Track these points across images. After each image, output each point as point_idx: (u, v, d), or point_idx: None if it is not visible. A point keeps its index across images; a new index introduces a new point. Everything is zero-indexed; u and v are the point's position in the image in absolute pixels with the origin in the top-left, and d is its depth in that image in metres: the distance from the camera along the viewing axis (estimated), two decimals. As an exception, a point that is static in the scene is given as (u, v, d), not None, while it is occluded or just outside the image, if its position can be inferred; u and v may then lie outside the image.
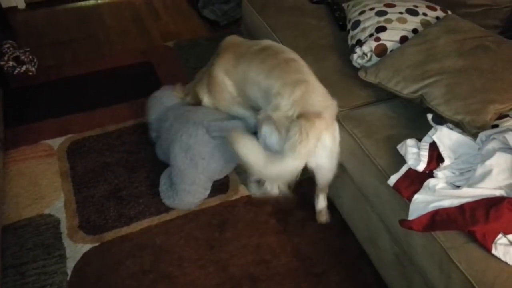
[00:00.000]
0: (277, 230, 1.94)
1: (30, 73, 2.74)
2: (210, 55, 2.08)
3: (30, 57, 2.79)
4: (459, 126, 1.43)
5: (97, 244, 1.87)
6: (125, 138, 2.35)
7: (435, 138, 1.40)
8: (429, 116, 1.51)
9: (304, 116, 1.49)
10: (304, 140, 1.44)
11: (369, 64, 1.76)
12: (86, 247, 1.86)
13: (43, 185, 2.12)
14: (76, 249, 1.85)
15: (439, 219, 1.26)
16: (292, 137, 1.46)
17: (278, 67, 1.65)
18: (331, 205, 1.95)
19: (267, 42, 1.85)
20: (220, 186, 2.11)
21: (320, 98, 1.58)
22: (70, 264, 1.79)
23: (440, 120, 1.48)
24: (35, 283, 1.74)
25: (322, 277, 1.77)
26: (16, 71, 2.72)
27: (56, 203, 2.03)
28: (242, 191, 2.10)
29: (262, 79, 1.68)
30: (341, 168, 1.73)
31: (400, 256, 1.49)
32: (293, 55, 1.74)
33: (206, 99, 2.05)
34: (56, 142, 2.32)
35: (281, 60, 1.68)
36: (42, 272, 1.78)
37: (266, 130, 1.61)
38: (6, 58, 2.73)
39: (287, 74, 1.62)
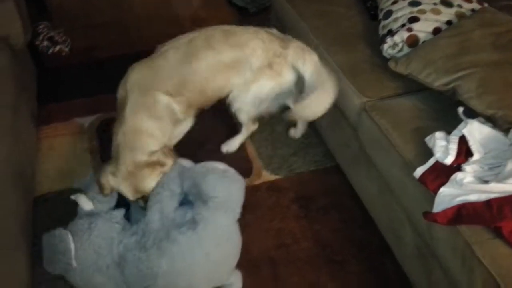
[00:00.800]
0: (298, 216, 1.97)
1: (64, 53, 2.82)
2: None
3: (64, 37, 2.86)
4: (490, 120, 1.41)
5: (123, 219, 1.93)
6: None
7: (465, 131, 1.38)
8: (460, 110, 1.49)
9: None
10: None
11: (399, 54, 1.74)
12: (113, 222, 1.92)
13: (73, 161, 2.20)
14: (103, 224, 1.91)
15: (465, 213, 1.25)
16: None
17: None
18: (355, 195, 1.96)
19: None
20: (243, 171, 2.14)
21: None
22: (97, 237, 1.86)
23: (471, 113, 1.46)
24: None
25: (343, 265, 1.79)
26: (50, 51, 2.80)
27: (86, 178, 2.10)
28: (265, 177, 2.13)
29: None
30: (367, 158, 1.74)
31: (422, 249, 1.49)
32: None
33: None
34: (86, 121, 2.39)
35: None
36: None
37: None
38: (41, 38, 2.81)
39: None
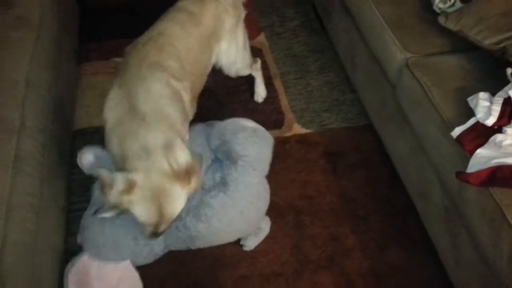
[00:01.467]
0: (325, 170, 1.97)
1: (105, -6, 2.83)
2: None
3: (106, -22, 2.85)
4: (541, 84, 1.34)
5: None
6: (189, 65, 2.41)
7: (510, 92, 1.32)
8: (509, 71, 1.41)
9: None
10: None
11: (451, 10, 1.64)
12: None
13: (111, 99, 2.26)
14: (136, 161, 1.99)
15: (500, 176, 1.22)
16: None
17: None
18: (384, 155, 1.94)
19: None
20: (275, 122, 2.14)
21: None
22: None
23: (521, 75, 1.39)
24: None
25: (365, 220, 1.80)
26: (93, -10, 2.81)
27: (122, 117, 2.17)
28: (296, 129, 2.13)
29: None
30: (402, 117, 1.70)
31: (450, 210, 1.47)
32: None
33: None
34: (125, 61, 2.43)
35: None
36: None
37: None
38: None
39: None
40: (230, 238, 1.58)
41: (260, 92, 2.22)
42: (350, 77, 2.22)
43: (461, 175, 1.29)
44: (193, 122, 1.65)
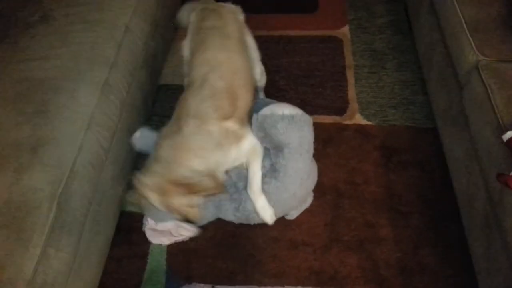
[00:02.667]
0: (377, 162, 1.99)
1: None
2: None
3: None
4: None
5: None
6: (269, 44, 2.56)
7: None
8: None
9: None
10: None
11: (537, 18, 1.58)
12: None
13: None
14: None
15: (542, 183, 1.18)
16: None
17: None
18: (440, 158, 1.90)
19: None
20: (337, 109, 2.21)
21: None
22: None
23: None
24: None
25: (405, 216, 1.80)
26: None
27: (200, 80, 2.39)
28: (357, 119, 2.17)
29: None
30: (464, 120, 1.67)
31: (489, 217, 1.44)
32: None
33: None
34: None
35: None
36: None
37: None
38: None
39: None
40: (282, 214, 1.73)
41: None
42: (425, 78, 2.20)
43: (502, 177, 1.27)
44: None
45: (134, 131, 1.90)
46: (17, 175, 1.28)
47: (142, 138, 1.77)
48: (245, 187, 1.60)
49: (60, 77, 1.56)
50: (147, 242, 1.77)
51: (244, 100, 1.63)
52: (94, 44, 1.70)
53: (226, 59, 1.65)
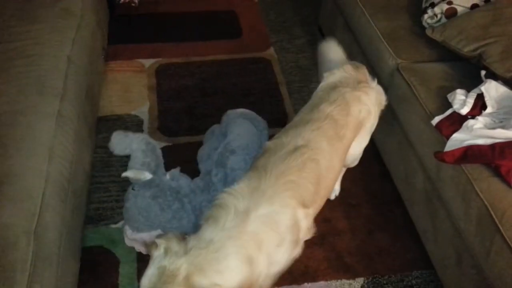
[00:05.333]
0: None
1: (133, 4, 3.13)
2: (292, 13, 2.25)
3: (135, -9, 3.18)
4: (508, 83, 1.58)
5: (170, 144, 2.21)
6: (204, 68, 2.69)
7: (482, 88, 1.56)
8: (483, 72, 1.66)
9: None
10: None
11: (437, 25, 1.92)
12: (161, 144, 2.19)
13: (133, 92, 2.51)
14: (153, 144, 2.21)
15: (470, 154, 1.44)
16: None
17: None
18: (376, 154, 2.15)
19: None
20: (278, 121, 2.38)
21: None
22: (147, 154, 2.16)
23: (493, 77, 1.63)
24: (117, 163, 2.11)
25: (356, 207, 2.00)
26: (122, 0, 3.12)
27: (142, 108, 2.41)
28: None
29: None
30: (393, 116, 1.93)
31: (430, 193, 1.68)
32: None
33: None
34: (147, 62, 2.70)
35: None
36: (124, 155, 2.14)
37: None
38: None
39: None
40: None
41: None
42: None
43: (439, 155, 1.51)
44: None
45: (86, 163, 1.86)
46: (-14, 214, 1.21)
47: (117, 141, 1.77)
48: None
49: (12, 111, 1.50)
50: (114, 274, 1.72)
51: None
52: (40, 76, 1.67)
53: (328, 162, 1.42)
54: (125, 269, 1.74)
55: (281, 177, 1.31)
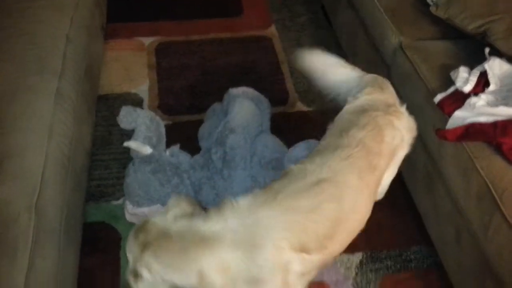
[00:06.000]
0: (322, 142, 2.17)
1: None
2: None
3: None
4: (512, 60, 1.56)
5: (171, 122, 2.21)
6: (204, 47, 2.66)
7: (486, 65, 1.54)
8: (486, 50, 1.63)
9: None
10: None
11: (441, 2, 1.88)
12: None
13: (132, 71, 2.49)
14: (154, 123, 2.20)
15: (472, 131, 1.43)
16: None
17: None
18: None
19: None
20: (279, 100, 2.36)
21: None
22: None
23: (497, 54, 1.60)
24: (117, 141, 2.11)
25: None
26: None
27: (142, 86, 2.40)
28: (299, 107, 2.35)
29: None
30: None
31: (430, 171, 1.68)
32: None
33: None
34: (147, 40, 2.67)
35: None
36: (124, 133, 2.10)
37: None
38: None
39: None
40: None
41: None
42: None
43: (440, 132, 1.50)
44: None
45: (86, 141, 1.86)
46: (-14, 190, 1.22)
47: (124, 114, 1.77)
48: (229, 174, 1.66)
49: (11, 90, 1.50)
50: (115, 249, 1.74)
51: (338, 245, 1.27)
52: (39, 55, 1.65)
53: (354, 201, 1.26)
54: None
55: (287, 212, 1.15)
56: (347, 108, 1.45)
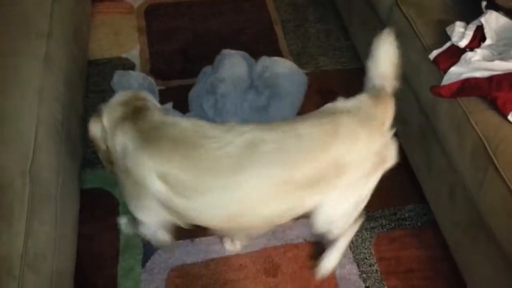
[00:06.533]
0: (320, 104, 2.01)
1: None
2: None
3: None
4: (509, 14, 1.53)
5: (163, 87, 2.17)
6: (194, 9, 2.59)
7: (482, 20, 1.51)
8: (483, 3, 1.60)
9: None
10: None
11: (438, -46, 1.82)
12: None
13: (122, 35, 2.43)
14: (146, 87, 2.17)
15: (467, 86, 1.42)
16: None
17: None
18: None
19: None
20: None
21: None
22: (140, 97, 2.13)
23: (494, 8, 1.57)
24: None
25: (351, 146, 2.00)
26: None
27: (132, 51, 2.35)
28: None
29: None
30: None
31: (424, 128, 1.68)
32: None
33: None
34: (136, 3, 2.60)
35: None
36: (116, 99, 2.12)
37: None
38: None
39: None
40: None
41: (330, 262, 1.56)
42: (346, 26, 2.40)
43: (435, 89, 1.49)
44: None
45: (78, 106, 1.84)
46: (-22, 156, 1.20)
47: (118, 78, 1.80)
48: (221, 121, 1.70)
49: (-3, 53, 1.45)
50: (113, 214, 1.75)
51: None
52: (23, 16, 1.60)
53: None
54: (125, 209, 1.76)
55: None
56: (327, 106, 1.33)
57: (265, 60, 2.01)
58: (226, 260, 1.64)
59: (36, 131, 1.33)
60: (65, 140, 1.53)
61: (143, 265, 1.62)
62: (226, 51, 2.01)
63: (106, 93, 2.14)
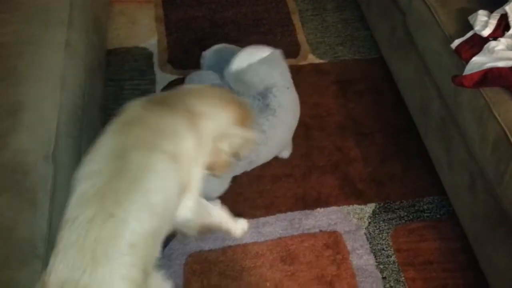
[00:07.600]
0: (335, 95, 2.15)
1: None
2: None
3: None
4: (536, 2, 1.49)
5: (182, 76, 2.18)
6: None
7: (507, 8, 1.47)
8: (509, -8, 1.56)
9: None
10: None
11: None
12: (172, 77, 2.19)
13: (140, 25, 2.45)
14: (164, 77, 2.19)
15: (490, 77, 1.39)
16: None
17: None
18: (391, 83, 2.10)
19: None
20: (290, 52, 2.31)
21: None
22: (158, 87, 2.15)
23: (519, -4, 1.53)
24: (130, 95, 2.11)
25: (368, 136, 1.99)
26: None
27: (151, 40, 2.36)
28: (311, 59, 2.30)
29: None
30: (410, 41, 1.85)
31: (445, 119, 1.65)
32: None
33: None
34: (154, -8, 2.60)
35: None
36: (136, 88, 2.14)
37: None
38: None
39: None
40: (277, 152, 1.81)
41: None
42: (365, 15, 2.37)
43: (457, 79, 1.46)
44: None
45: (98, 95, 1.86)
46: (3, 140, 1.23)
47: (213, 53, 1.75)
48: None
49: (18, 41, 1.47)
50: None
51: None
52: (44, 5, 1.62)
53: None
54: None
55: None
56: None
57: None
58: (243, 247, 1.65)
59: (59, 117, 1.36)
60: (86, 127, 1.55)
61: (162, 250, 1.64)
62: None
63: (125, 82, 2.18)
